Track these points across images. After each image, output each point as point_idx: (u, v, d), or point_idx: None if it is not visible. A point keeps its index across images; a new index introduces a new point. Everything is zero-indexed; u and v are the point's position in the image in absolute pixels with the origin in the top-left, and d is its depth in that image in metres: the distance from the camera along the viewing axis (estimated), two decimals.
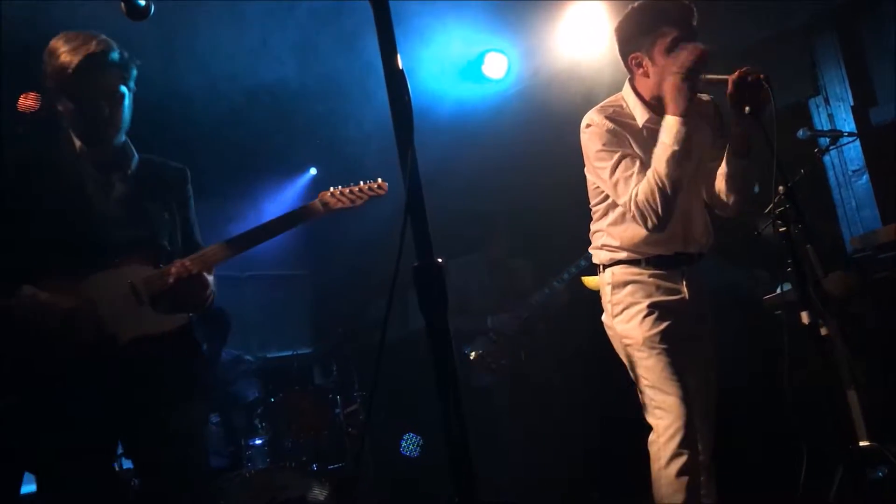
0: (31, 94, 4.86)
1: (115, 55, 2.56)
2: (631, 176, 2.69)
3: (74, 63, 2.47)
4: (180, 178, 2.84)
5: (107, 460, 2.60)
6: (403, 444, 5.49)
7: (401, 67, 1.28)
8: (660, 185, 2.60)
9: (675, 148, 2.57)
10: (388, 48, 1.28)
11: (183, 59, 3.33)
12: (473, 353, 4.94)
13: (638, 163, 2.71)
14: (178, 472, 2.56)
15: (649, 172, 2.64)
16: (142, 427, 2.53)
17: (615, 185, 2.73)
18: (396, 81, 1.26)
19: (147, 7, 2.12)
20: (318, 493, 4.45)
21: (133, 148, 2.74)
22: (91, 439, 2.44)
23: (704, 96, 2.90)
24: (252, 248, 2.74)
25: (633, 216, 2.69)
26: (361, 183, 2.98)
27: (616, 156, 2.73)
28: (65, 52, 2.49)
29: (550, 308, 5.07)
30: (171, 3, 2.36)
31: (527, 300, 5.09)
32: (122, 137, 2.68)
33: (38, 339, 2.42)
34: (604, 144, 2.76)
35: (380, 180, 3.00)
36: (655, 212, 2.62)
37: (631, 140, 2.76)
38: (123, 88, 2.60)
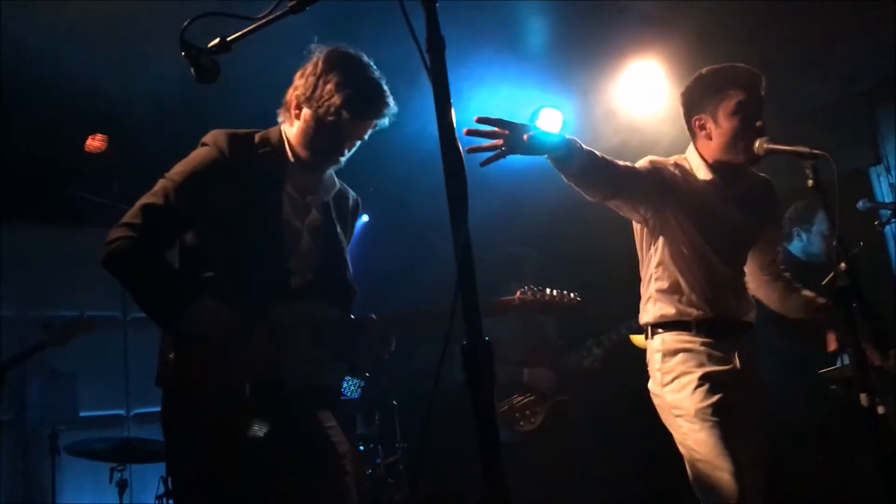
0: (99, 136, 4.92)
1: (390, 115, 2.32)
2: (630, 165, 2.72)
3: (356, 110, 2.22)
4: (355, 209, 2.59)
5: None
6: (344, 385, 5.41)
7: (459, 146, 1.26)
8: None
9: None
10: (446, 126, 1.25)
11: (219, 94, 3.28)
12: (506, 406, 4.82)
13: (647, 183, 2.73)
14: None
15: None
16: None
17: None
18: (453, 158, 1.25)
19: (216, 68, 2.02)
20: None
21: (335, 176, 2.50)
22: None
23: (762, 175, 2.88)
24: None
25: None
26: (555, 291, 2.74)
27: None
28: (350, 90, 2.20)
29: (586, 371, 4.96)
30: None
31: (562, 359, 4.99)
32: None
33: (217, 355, 2.13)
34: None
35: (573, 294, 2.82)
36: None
37: (689, 193, 2.75)
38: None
